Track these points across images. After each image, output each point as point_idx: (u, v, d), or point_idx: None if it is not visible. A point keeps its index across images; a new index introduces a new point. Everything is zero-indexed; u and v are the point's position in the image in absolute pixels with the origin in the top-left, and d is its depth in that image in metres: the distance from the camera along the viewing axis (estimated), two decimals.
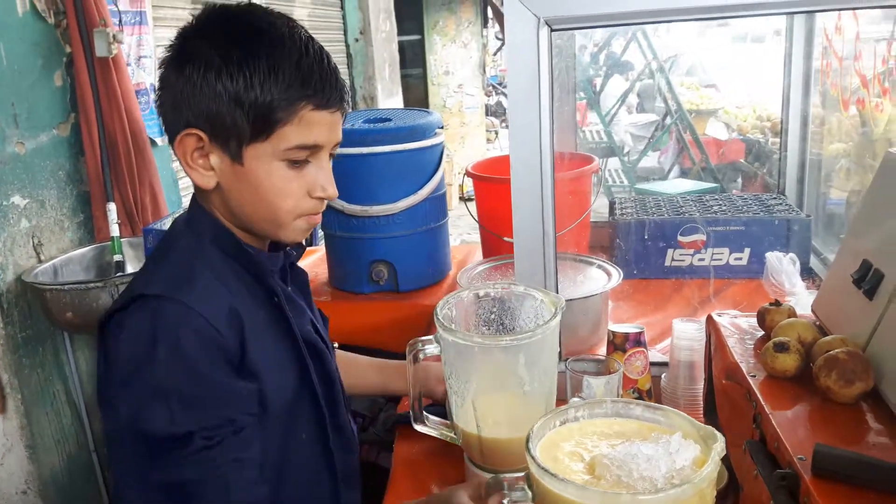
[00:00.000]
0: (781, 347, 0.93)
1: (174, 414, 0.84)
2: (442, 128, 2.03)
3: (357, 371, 1.40)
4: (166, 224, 2.13)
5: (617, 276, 1.52)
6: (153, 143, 2.68)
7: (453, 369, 1.03)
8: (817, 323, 1.07)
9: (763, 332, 1.08)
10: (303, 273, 1.18)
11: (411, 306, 1.95)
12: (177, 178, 3.06)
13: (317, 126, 0.92)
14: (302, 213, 0.97)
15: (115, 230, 2.40)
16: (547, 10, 1.19)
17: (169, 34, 3.12)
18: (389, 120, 1.97)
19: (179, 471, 0.86)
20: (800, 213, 1.88)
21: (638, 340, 1.24)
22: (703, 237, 1.89)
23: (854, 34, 1.63)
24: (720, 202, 2.05)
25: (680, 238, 1.91)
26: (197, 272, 0.93)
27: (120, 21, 2.50)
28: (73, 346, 2.35)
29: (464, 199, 6.52)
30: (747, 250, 1.88)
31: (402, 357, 1.93)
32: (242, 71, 0.87)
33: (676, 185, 5.79)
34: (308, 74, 0.90)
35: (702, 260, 1.91)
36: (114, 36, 2.36)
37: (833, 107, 1.79)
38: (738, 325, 1.12)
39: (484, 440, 1.02)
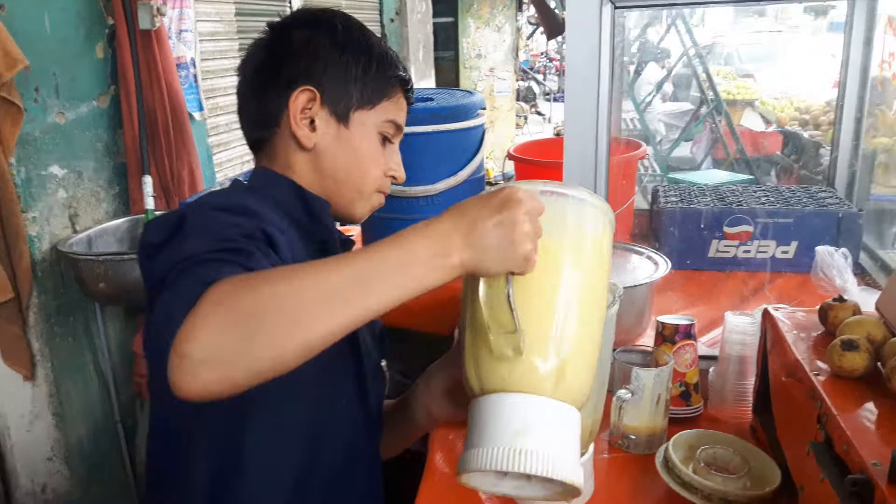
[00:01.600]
0: (850, 346, 0.89)
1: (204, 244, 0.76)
2: (484, 109, 2.00)
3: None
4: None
5: (665, 265, 1.48)
6: (191, 117, 2.67)
7: None
8: (882, 320, 1.03)
9: (824, 329, 1.04)
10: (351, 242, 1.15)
11: (445, 287, 1.91)
12: (211, 154, 3.06)
13: (402, 111, 1.04)
14: (379, 187, 1.03)
15: (149, 203, 2.39)
16: None
17: (209, 9, 3.12)
18: (432, 100, 1.93)
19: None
20: (851, 206, 1.82)
21: (688, 333, 1.21)
22: (750, 228, 1.84)
23: None
24: (767, 193, 1.99)
25: (726, 229, 1.86)
26: (253, 197, 0.93)
27: None
28: (104, 318, 2.36)
29: (491, 183, 6.48)
30: (794, 243, 1.83)
31: (437, 336, 1.93)
32: (362, 45, 0.98)
33: (710, 176, 5.68)
34: (403, 67, 1.03)
35: (747, 252, 1.86)
36: (157, 8, 2.35)
37: (893, 99, 1.72)
38: (797, 321, 1.08)
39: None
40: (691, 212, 1.87)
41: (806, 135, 5.04)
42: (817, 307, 1.09)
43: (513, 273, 0.69)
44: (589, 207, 0.78)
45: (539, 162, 1.89)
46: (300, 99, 0.96)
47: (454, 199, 1.92)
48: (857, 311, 1.03)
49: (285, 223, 0.93)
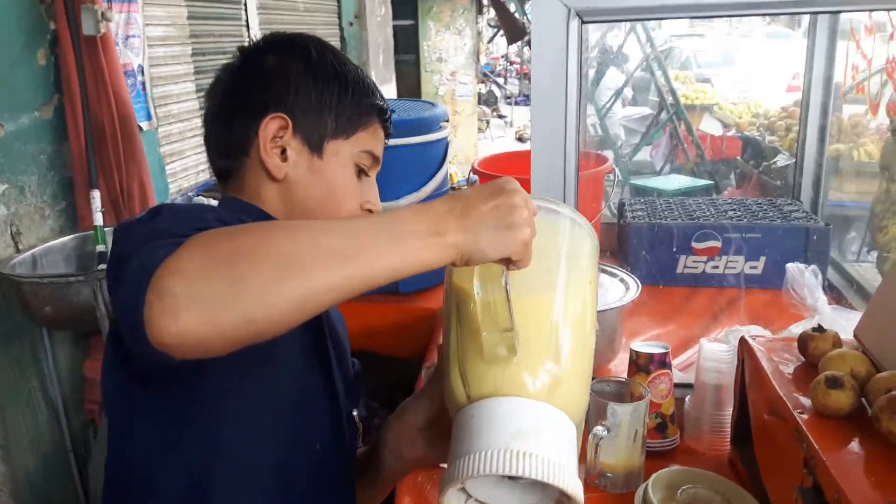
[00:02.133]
0: (835, 383, 0.85)
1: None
2: (447, 121, 1.94)
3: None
4: None
5: (635, 287, 1.44)
6: (140, 128, 2.56)
7: None
8: (860, 350, 0.99)
9: (804, 361, 1.00)
10: None
11: (412, 309, 1.87)
12: (164, 165, 2.94)
13: (379, 142, 0.97)
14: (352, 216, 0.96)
15: (98, 219, 2.28)
16: (578, 1, 1.10)
17: (159, 13, 3.01)
18: (393, 111, 1.86)
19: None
20: (818, 221, 1.81)
21: (663, 362, 1.17)
22: (718, 244, 1.82)
23: (889, 35, 1.54)
24: (734, 207, 1.97)
25: (693, 244, 1.83)
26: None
27: None
28: (52, 342, 2.24)
29: (454, 188, 6.43)
30: (763, 259, 1.81)
31: (404, 360, 1.87)
32: (337, 72, 0.92)
33: (671, 181, 5.72)
34: (380, 95, 0.97)
35: (715, 268, 1.84)
36: (102, 13, 2.24)
37: (863, 115, 1.70)
38: (774, 350, 1.05)
39: None
40: (659, 227, 1.84)
41: (764, 140, 5.10)
42: (795, 337, 1.06)
43: (509, 262, 0.66)
44: (577, 227, 0.77)
45: (495, 175, 1.83)
46: (271, 127, 0.90)
47: None
48: (836, 341, 0.99)
49: None
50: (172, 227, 0.68)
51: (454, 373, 0.70)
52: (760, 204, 1.98)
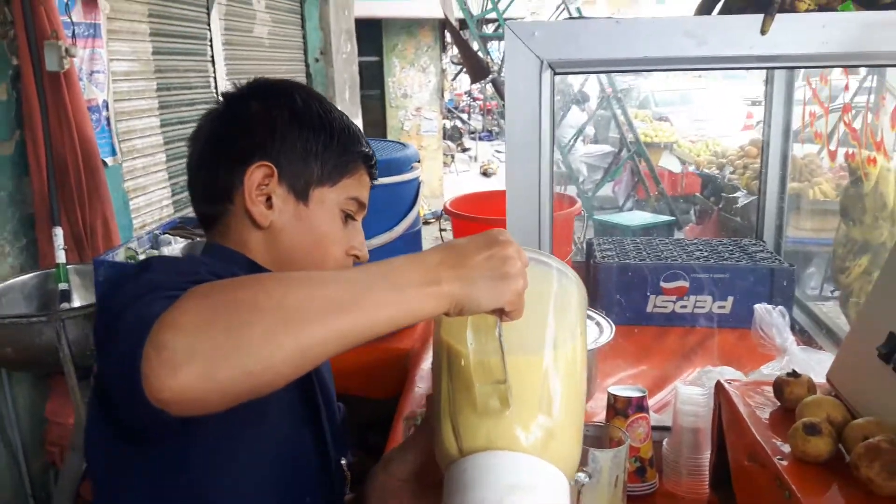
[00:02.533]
0: (813, 430, 0.86)
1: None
2: (419, 161, 1.95)
3: None
4: (119, 254, 1.98)
5: (609, 329, 1.45)
6: (104, 164, 2.52)
7: None
8: (833, 394, 1.01)
9: (780, 405, 1.02)
10: None
11: (384, 350, 1.85)
12: (128, 200, 2.90)
13: (365, 188, 0.98)
14: (339, 265, 0.95)
15: (61, 256, 2.23)
16: (551, 53, 1.13)
17: (124, 48, 2.99)
18: None
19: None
20: (783, 262, 1.85)
21: (640, 405, 1.17)
22: (686, 283, 1.85)
23: (843, 85, 1.61)
24: (700, 247, 2.01)
25: (662, 284, 1.86)
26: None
27: (73, 34, 2.34)
28: (12, 383, 2.17)
29: (426, 222, 6.44)
30: (731, 298, 1.84)
31: (377, 401, 1.85)
32: (323, 120, 0.92)
33: (634, 217, 5.82)
34: (366, 142, 0.97)
35: (684, 307, 1.86)
36: (66, 49, 2.22)
37: (816, 154, 1.76)
38: (749, 394, 1.06)
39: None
40: (628, 267, 1.87)
41: (723, 178, 5.23)
42: (769, 380, 1.07)
43: (503, 313, 0.66)
44: (566, 279, 0.78)
45: (477, 218, 1.84)
46: (256, 175, 0.89)
47: (390, 254, 1.85)
48: (811, 385, 1.01)
49: None
50: (165, 280, 0.67)
51: (446, 426, 0.69)
52: (726, 244, 2.02)
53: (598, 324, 1.49)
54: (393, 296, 0.61)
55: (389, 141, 2.05)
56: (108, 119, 2.67)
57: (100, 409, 0.78)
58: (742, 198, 4.75)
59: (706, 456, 1.17)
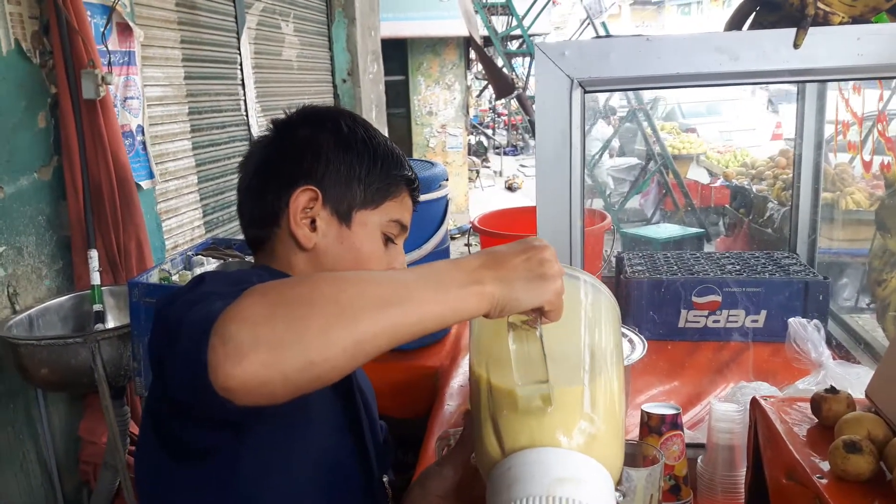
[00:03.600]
0: (853, 448, 0.85)
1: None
2: (447, 180, 1.96)
3: None
4: (153, 276, 2.02)
5: (641, 345, 1.44)
6: (139, 187, 2.57)
7: None
8: (873, 410, 0.99)
9: (817, 422, 1.00)
10: None
11: (412, 367, 1.85)
12: (160, 222, 2.95)
13: (408, 211, 1.00)
14: None
15: (95, 278, 2.27)
16: (581, 72, 1.14)
17: (157, 73, 3.05)
18: None
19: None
20: (817, 275, 1.83)
21: (675, 423, 1.16)
22: (719, 298, 1.83)
23: (877, 95, 1.59)
24: (732, 261, 1.99)
25: (694, 299, 1.84)
26: None
27: (109, 62, 2.40)
28: (47, 403, 2.21)
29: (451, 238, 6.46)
30: (764, 312, 1.82)
31: (405, 421, 1.86)
32: (367, 145, 0.95)
33: (662, 230, 5.78)
34: (409, 166, 1.00)
35: (717, 322, 1.84)
36: (103, 77, 2.27)
37: (848, 164, 1.73)
38: (787, 412, 1.05)
39: None
40: (659, 282, 1.85)
41: (753, 189, 5.18)
42: (805, 396, 1.06)
43: (542, 313, 0.68)
44: (598, 293, 0.79)
45: (506, 235, 1.84)
46: (301, 199, 0.92)
47: None
48: (850, 402, 0.99)
49: None
50: (221, 289, 0.71)
51: (487, 430, 0.70)
52: (758, 257, 2.00)
53: (630, 340, 1.48)
54: (440, 294, 0.64)
55: (417, 160, 2.06)
56: (143, 143, 2.73)
57: (154, 434, 0.81)
58: (773, 209, 4.69)
59: (741, 473, 1.16)
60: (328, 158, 0.93)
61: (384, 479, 1.03)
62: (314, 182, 0.92)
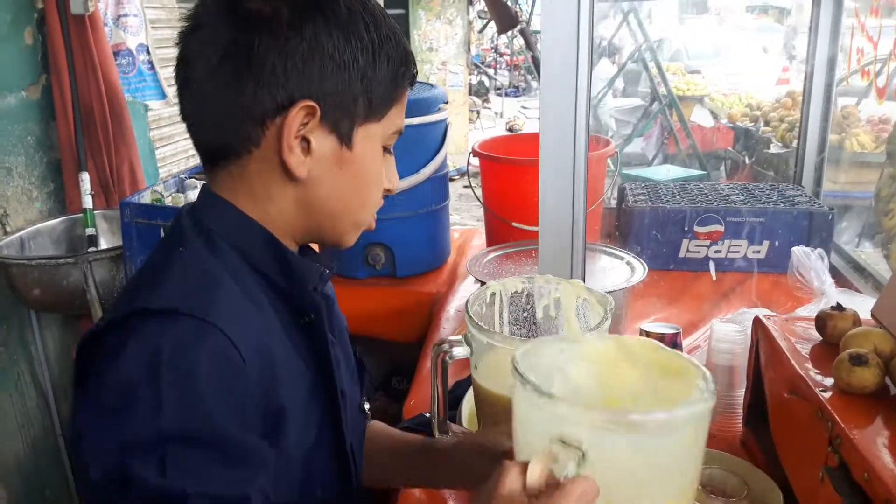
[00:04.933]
0: (859, 360, 0.83)
1: (168, 465, 0.60)
2: (446, 103, 1.91)
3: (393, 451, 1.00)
4: (145, 197, 1.98)
5: (641, 269, 1.42)
6: (146, 107, 2.51)
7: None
8: (882, 329, 0.97)
9: (822, 339, 0.98)
10: (333, 297, 0.91)
11: (410, 293, 1.83)
12: (154, 149, 2.89)
13: (404, 109, 0.82)
14: (376, 205, 0.83)
15: (88, 202, 2.24)
16: None
17: None
18: None
19: None
20: (822, 206, 1.79)
21: (674, 342, 1.14)
22: (721, 227, 1.80)
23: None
24: (736, 191, 1.95)
25: (696, 228, 1.81)
26: (218, 282, 0.71)
27: None
28: (41, 325, 2.20)
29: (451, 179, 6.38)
30: (766, 243, 1.79)
31: (402, 344, 1.85)
32: (371, 38, 0.73)
33: (663, 172, 5.71)
34: (408, 50, 0.79)
35: (718, 252, 1.82)
36: None
37: (861, 96, 1.67)
38: (790, 330, 1.02)
39: None
40: (662, 211, 1.82)
41: (757, 131, 5.09)
42: (810, 317, 1.03)
43: None
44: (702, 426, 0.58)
45: (507, 159, 1.80)
46: (297, 118, 0.71)
47: (416, 198, 1.83)
48: (857, 319, 0.97)
49: (258, 290, 0.74)
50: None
51: None
52: (762, 188, 1.96)
53: (628, 263, 1.46)
54: None
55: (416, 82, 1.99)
56: (150, 63, 2.64)
57: None
58: (777, 151, 4.62)
59: (739, 394, 1.14)
60: (326, 55, 0.71)
61: (366, 407, 0.95)
62: (309, 91, 0.71)
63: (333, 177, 0.76)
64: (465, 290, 1.80)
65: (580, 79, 1.12)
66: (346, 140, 0.75)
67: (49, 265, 1.94)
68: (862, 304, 1.42)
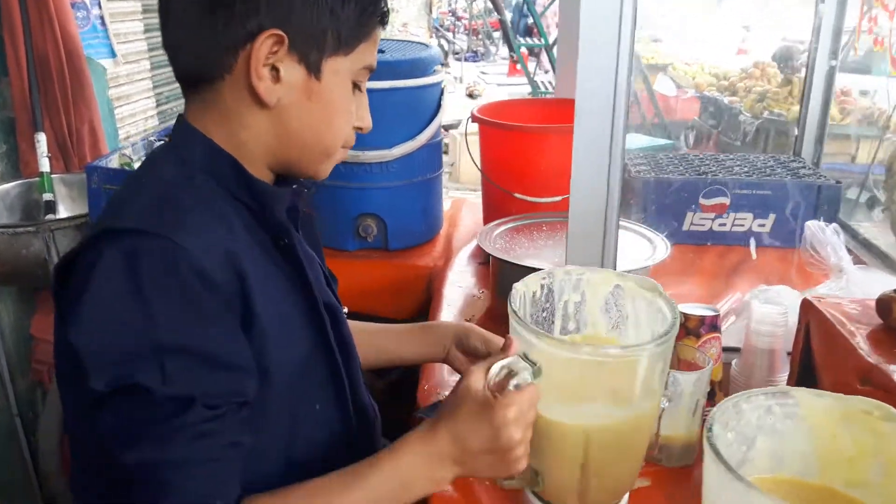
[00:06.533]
0: None
1: (169, 372, 0.67)
2: (442, 65, 1.79)
3: (369, 339, 1.15)
4: (113, 161, 1.82)
5: (663, 246, 1.35)
6: (102, 68, 2.32)
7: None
8: None
9: (883, 324, 0.92)
10: (312, 218, 0.98)
11: (404, 267, 1.73)
12: (113, 108, 2.70)
13: (376, 49, 0.86)
14: (346, 141, 0.87)
15: (45, 165, 2.06)
16: None
17: None
18: (383, 52, 1.70)
19: (162, 447, 0.67)
20: (828, 178, 1.75)
21: (714, 325, 1.07)
22: (727, 200, 1.74)
23: None
24: (738, 163, 1.89)
25: (702, 200, 1.75)
26: (185, 204, 0.75)
27: None
28: None
29: None
30: (772, 216, 1.74)
31: (397, 321, 1.75)
32: None
33: (630, 140, 5.67)
34: None
35: (723, 225, 1.76)
36: None
37: (873, 65, 1.61)
38: (844, 313, 0.96)
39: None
40: (666, 182, 1.75)
41: (725, 100, 5.09)
42: (858, 299, 0.98)
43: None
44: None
45: (515, 126, 1.69)
46: (265, 46, 0.75)
47: (411, 166, 1.72)
48: None
49: (233, 215, 0.78)
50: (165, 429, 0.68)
51: None
52: (765, 160, 1.91)
53: (635, 232, 1.38)
54: (405, 495, 0.76)
55: (407, 41, 1.87)
56: (101, 18, 2.44)
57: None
58: (746, 121, 4.63)
59: (780, 378, 1.09)
60: None
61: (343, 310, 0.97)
62: (278, 22, 0.75)
63: (303, 106, 0.80)
64: (462, 264, 1.71)
65: (622, 39, 1.02)
66: (314, 70, 0.79)
67: (6, 234, 1.78)
68: (882, 284, 1.39)
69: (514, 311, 0.82)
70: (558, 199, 1.61)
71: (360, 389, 0.94)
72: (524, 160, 1.63)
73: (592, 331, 0.94)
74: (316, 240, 0.98)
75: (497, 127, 1.67)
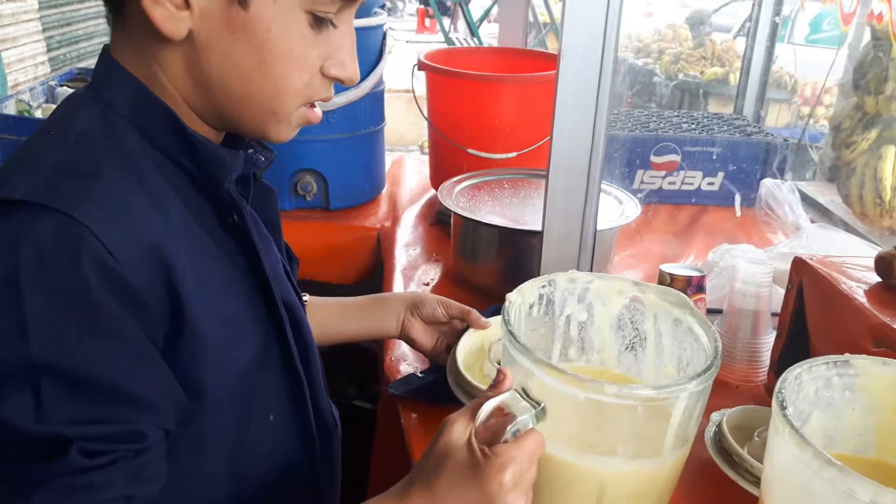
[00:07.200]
0: None
1: (43, 402, 0.52)
2: (384, 7, 1.66)
3: (325, 318, 1.02)
4: (9, 107, 1.60)
5: (633, 205, 1.29)
6: None
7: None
8: None
9: (882, 282, 0.89)
10: (270, 191, 0.80)
11: (348, 228, 1.62)
12: None
13: None
14: (309, 97, 0.67)
15: None
16: None
17: None
18: None
19: (26, 496, 0.52)
20: (776, 136, 1.74)
21: (700, 285, 1.03)
22: (678, 158, 1.71)
23: None
24: (686, 121, 1.87)
25: (653, 158, 1.71)
26: (99, 166, 0.58)
27: None
28: None
29: None
30: (720, 175, 1.73)
31: (343, 287, 1.64)
32: None
33: None
34: None
35: (672, 184, 1.73)
36: None
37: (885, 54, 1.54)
38: (841, 271, 0.93)
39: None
40: (619, 139, 1.70)
41: (638, 62, 5.13)
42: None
43: None
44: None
45: (454, 72, 1.58)
46: None
47: (353, 117, 1.59)
48: None
49: (165, 182, 0.62)
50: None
51: None
52: (710, 118, 1.90)
53: (617, 199, 1.32)
54: None
55: None
56: None
57: None
58: (660, 82, 4.69)
59: (764, 340, 1.05)
60: None
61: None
62: None
63: (226, 43, 0.61)
64: (409, 225, 1.61)
65: None
66: None
67: None
68: (841, 242, 1.39)
69: (511, 332, 0.65)
70: (513, 154, 1.52)
71: (322, 396, 0.80)
72: (478, 113, 1.53)
73: (599, 356, 0.79)
74: (275, 218, 0.81)
75: (451, 76, 1.55)
